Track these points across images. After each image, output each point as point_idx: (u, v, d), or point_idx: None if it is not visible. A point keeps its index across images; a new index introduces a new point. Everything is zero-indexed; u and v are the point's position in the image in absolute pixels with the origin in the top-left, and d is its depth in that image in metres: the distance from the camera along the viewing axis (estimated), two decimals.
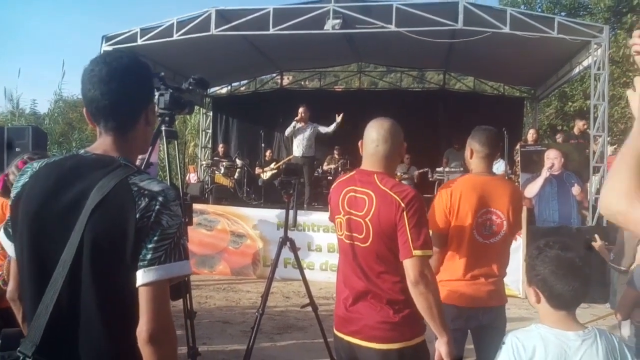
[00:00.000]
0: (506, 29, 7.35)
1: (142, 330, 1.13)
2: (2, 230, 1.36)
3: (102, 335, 1.17)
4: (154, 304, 1.14)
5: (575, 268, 1.46)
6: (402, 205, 1.85)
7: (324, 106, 9.45)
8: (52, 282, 1.15)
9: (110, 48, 8.52)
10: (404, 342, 1.91)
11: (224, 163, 9.92)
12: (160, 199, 1.18)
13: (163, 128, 2.87)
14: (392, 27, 7.55)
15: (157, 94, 2.87)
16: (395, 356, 1.91)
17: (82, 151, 1.30)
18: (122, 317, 1.17)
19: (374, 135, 1.99)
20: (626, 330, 2.97)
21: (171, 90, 2.84)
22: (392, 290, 1.93)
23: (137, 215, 1.15)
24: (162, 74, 2.91)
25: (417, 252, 1.82)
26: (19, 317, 1.35)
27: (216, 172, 9.91)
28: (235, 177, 9.94)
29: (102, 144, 1.28)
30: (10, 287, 1.37)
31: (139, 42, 8.41)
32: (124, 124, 1.28)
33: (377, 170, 1.98)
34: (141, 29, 8.46)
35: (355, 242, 1.97)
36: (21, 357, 1.16)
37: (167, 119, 2.86)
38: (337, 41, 9.67)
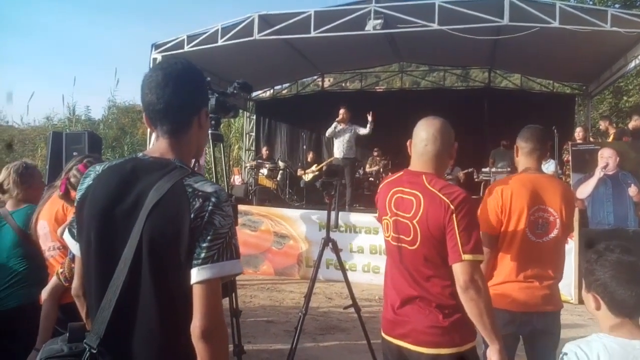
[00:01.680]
0: (555, 24, 7.06)
1: (195, 326, 1.18)
2: (66, 230, 1.45)
3: (158, 329, 1.23)
4: (206, 301, 1.18)
5: (638, 272, 1.38)
6: (452, 207, 1.80)
7: (365, 107, 9.41)
8: (115, 278, 1.22)
9: (159, 55, 8.87)
10: (454, 348, 1.86)
11: (267, 165, 10.10)
12: (213, 199, 1.22)
13: (209, 131, 2.97)
14: (435, 26, 7.43)
15: None
16: None
17: (140, 154, 1.37)
18: (177, 313, 1.22)
19: (423, 135, 1.95)
20: None
21: (217, 95, 2.92)
22: (442, 295, 1.88)
23: (192, 216, 1.20)
24: (209, 79, 3.00)
25: (467, 257, 1.77)
26: (82, 312, 1.43)
27: (259, 173, 10.10)
28: (278, 178, 10.09)
29: (158, 147, 1.35)
30: (75, 284, 1.46)
31: (186, 48, 8.70)
32: (177, 127, 1.33)
33: (426, 171, 1.94)
34: (188, 36, 8.76)
35: (403, 245, 1.94)
36: (87, 349, 1.23)
37: (213, 122, 2.95)
38: (378, 42, 9.63)
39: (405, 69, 13.64)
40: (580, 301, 5.58)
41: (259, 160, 10.74)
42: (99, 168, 1.35)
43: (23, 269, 2.74)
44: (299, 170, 10.41)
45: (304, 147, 10.33)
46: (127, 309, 1.22)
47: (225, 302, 2.99)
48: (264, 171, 9.99)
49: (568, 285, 5.79)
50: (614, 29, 6.98)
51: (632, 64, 8.47)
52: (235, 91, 3.10)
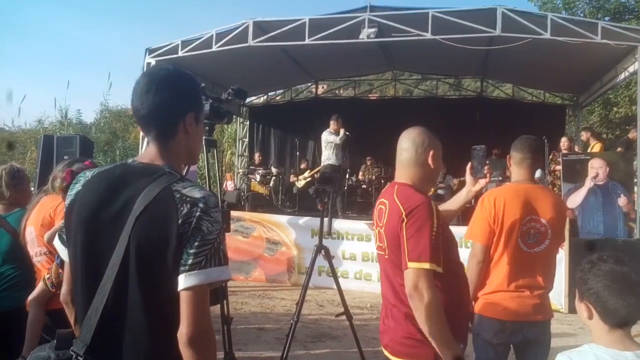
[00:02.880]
0: (547, 35, 7.15)
1: (182, 333, 1.17)
2: (57, 236, 1.44)
3: (146, 336, 1.22)
4: (194, 307, 1.17)
5: (631, 283, 1.39)
6: (403, 215, 1.80)
7: (359, 115, 9.47)
8: (102, 285, 1.21)
9: (153, 60, 8.85)
10: None
11: (260, 171, 10.08)
12: (201, 205, 1.21)
13: (203, 137, 2.96)
14: (428, 35, 7.50)
15: None
16: None
17: (130, 160, 1.37)
18: (164, 319, 1.20)
19: (400, 145, 2.00)
20: None
21: (211, 101, 2.92)
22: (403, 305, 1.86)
23: (180, 221, 1.19)
24: (203, 84, 3.00)
25: (412, 264, 1.74)
26: (71, 318, 1.42)
27: (252, 180, 10.08)
28: (271, 185, 10.08)
29: (148, 153, 1.35)
30: (64, 291, 1.44)
31: (180, 53, 8.69)
32: (163, 133, 1.33)
33: (401, 181, 1.97)
34: (182, 41, 8.75)
35: (381, 252, 1.98)
36: (74, 356, 1.22)
37: (207, 128, 2.94)
38: (372, 50, 9.69)
39: (398, 77, 13.73)
40: (571, 310, 5.61)
41: (251, 167, 10.72)
42: (89, 174, 1.35)
43: (17, 272, 2.73)
44: (291, 176, 10.41)
45: (297, 153, 10.33)
46: (114, 316, 1.21)
47: (217, 309, 2.98)
48: (257, 177, 9.97)
49: (558, 294, 5.82)
50: (604, 41, 7.08)
51: (622, 76, 8.59)
52: (229, 97, 3.10)
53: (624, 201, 6.69)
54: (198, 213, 1.20)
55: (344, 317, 3.60)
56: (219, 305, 2.93)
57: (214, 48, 8.41)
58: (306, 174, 10.02)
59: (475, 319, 2.49)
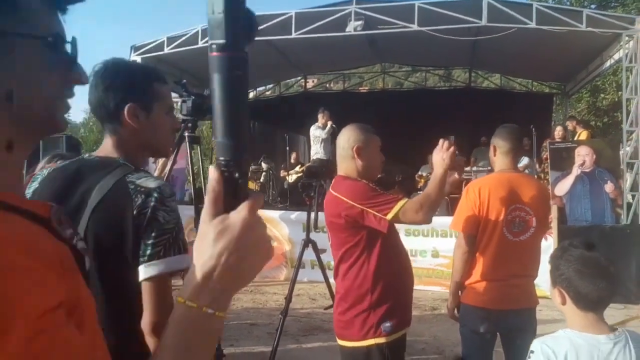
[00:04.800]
0: (532, 24, 7.18)
1: (145, 323, 1.18)
2: None
3: (109, 329, 1.23)
4: (155, 297, 1.18)
5: (601, 267, 1.42)
6: (345, 199, 2.06)
7: (349, 108, 9.44)
8: None
9: (138, 58, 8.77)
10: (354, 342, 2.06)
11: (250, 167, 10.06)
12: (155, 195, 1.21)
13: (186, 134, 2.95)
14: (415, 27, 7.50)
15: (179, 100, 2.96)
16: (347, 355, 2.09)
17: (86, 155, 1.39)
18: (128, 311, 1.21)
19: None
20: None
21: (193, 97, 2.91)
22: (339, 287, 2.16)
23: (134, 212, 1.19)
24: (185, 81, 2.99)
25: (389, 215, 2.03)
26: None
27: None
28: (261, 180, 10.06)
29: (103, 146, 1.35)
30: None
31: (166, 50, 8.62)
32: (110, 126, 1.33)
33: (339, 173, 2.21)
34: (168, 38, 8.68)
35: None
36: None
37: (189, 125, 2.93)
38: (359, 43, 9.67)
39: (387, 70, 13.73)
40: None
41: None
42: (45, 172, 1.35)
43: None
44: (282, 171, 10.39)
45: (287, 148, 10.31)
46: None
47: None
48: None
49: (547, 281, 5.87)
50: (589, 29, 7.12)
51: (608, 63, 8.65)
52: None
53: (610, 187, 6.75)
54: (153, 203, 1.20)
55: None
56: None
57: (200, 44, 8.34)
58: (297, 168, 10.01)
59: (461, 309, 2.51)
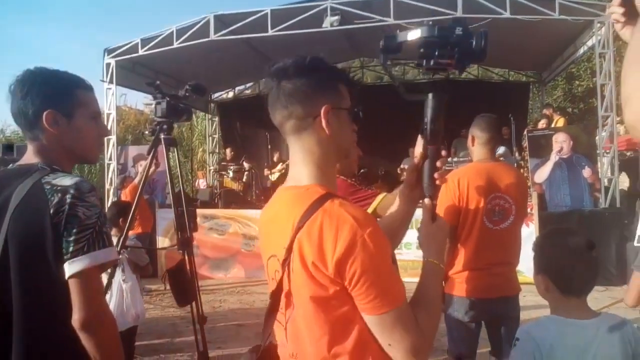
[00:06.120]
0: (507, 14, 7.25)
1: (75, 319, 1.20)
2: None
3: (37, 327, 1.23)
4: (83, 293, 1.20)
5: (584, 253, 1.42)
6: None
7: None
8: None
9: (112, 60, 8.61)
10: None
11: (232, 167, 9.97)
12: (72, 192, 1.23)
13: (162, 136, 2.89)
14: (391, 20, 7.50)
15: (154, 102, 2.90)
16: None
17: (10, 165, 1.40)
18: (56, 309, 1.22)
19: None
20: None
21: (167, 99, 2.86)
22: None
23: (52, 211, 1.21)
24: (158, 82, 2.93)
25: None
26: None
27: (224, 176, 9.96)
28: (244, 180, 9.99)
29: (26, 154, 1.37)
30: None
31: (141, 52, 8.48)
32: (30, 132, 1.34)
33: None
34: (142, 39, 8.53)
35: None
36: None
37: (165, 127, 2.88)
38: (337, 38, 9.64)
39: (366, 65, 13.72)
40: None
41: (223, 163, 10.59)
42: None
43: None
44: (265, 170, 10.33)
45: (269, 146, 10.25)
46: (2, 312, 1.23)
47: (190, 308, 2.93)
48: (229, 173, 9.86)
49: (530, 268, 5.94)
50: (562, 17, 7.22)
51: (582, 50, 8.79)
52: (187, 94, 3.03)
53: (588, 172, 6.88)
54: (70, 200, 1.22)
55: None
56: (190, 306, 2.88)
57: (176, 45, 8.22)
58: (279, 167, 9.96)
59: (445, 299, 2.52)
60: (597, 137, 7.39)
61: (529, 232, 5.66)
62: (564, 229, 1.54)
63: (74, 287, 1.20)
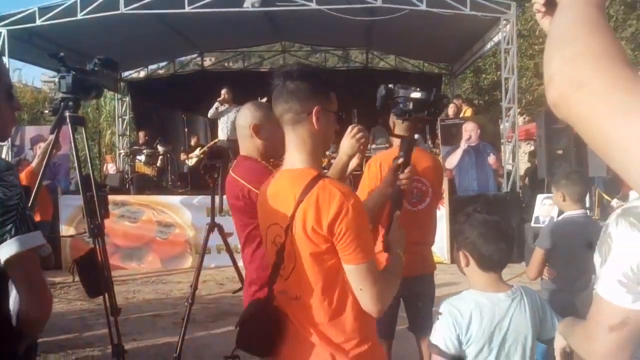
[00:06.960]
0: (423, 6, 7.54)
1: (23, 311, 1.18)
2: None
3: None
4: (20, 277, 1.17)
5: (501, 230, 1.54)
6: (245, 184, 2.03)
7: (249, 87, 9.16)
8: None
9: (3, 29, 7.69)
10: None
11: (145, 151, 9.43)
12: None
13: (67, 114, 2.63)
14: (313, 5, 7.49)
15: (57, 76, 2.63)
16: None
17: None
18: None
19: None
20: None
21: (73, 72, 2.59)
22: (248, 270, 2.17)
23: None
24: (62, 54, 2.64)
25: None
26: None
27: (137, 160, 9.40)
28: (158, 164, 9.50)
29: None
30: None
31: (38, 22, 7.66)
32: None
33: (242, 153, 2.11)
34: (39, 8, 7.70)
35: None
36: None
37: (70, 103, 2.61)
38: (258, 20, 9.42)
39: (288, 49, 13.61)
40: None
41: (135, 147, 9.98)
42: None
43: None
44: (182, 154, 9.89)
45: (186, 130, 9.82)
46: None
47: (102, 300, 2.73)
48: (142, 158, 9.31)
49: (442, 248, 6.35)
50: (472, 12, 7.66)
51: (488, 46, 9.41)
52: (96, 68, 2.78)
53: (493, 159, 7.44)
54: None
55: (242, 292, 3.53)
56: (102, 297, 2.68)
57: (79, 16, 7.53)
58: (197, 151, 9.59)
59: None
60: (501, 127, 7.99)
61: (441, 214, 6.01)
62: (483, 208, 1.62)
63: (11, 272, 1.15)
